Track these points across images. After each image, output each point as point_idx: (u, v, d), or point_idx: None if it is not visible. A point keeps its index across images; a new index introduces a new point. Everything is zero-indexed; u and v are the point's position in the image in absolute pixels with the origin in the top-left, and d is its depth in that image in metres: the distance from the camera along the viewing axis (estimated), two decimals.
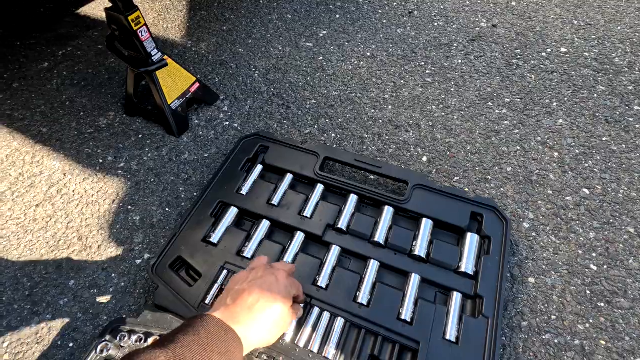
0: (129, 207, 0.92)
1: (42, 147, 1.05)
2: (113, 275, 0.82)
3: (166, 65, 0.96)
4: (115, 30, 0.92)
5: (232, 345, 0.49)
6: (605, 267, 0.79)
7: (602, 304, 0.74)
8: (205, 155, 1.02)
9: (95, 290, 0.80)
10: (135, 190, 0.95)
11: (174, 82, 1.03)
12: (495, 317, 0.68)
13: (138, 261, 0.84)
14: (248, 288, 0.56)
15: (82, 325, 0.75)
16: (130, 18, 0.87)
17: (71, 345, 0.73)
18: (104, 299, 0.78)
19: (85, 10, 1.51)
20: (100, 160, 1.02)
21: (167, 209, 0.92)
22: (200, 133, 1.07)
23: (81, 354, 0.72)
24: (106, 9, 0.89)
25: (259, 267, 0.61)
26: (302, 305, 0.69)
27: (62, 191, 0.96)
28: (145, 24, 0.91)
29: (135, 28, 0.89)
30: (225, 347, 0.48)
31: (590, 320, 0.73)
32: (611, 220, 0.85)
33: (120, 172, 0.99)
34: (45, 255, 0.85)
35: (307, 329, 0.69)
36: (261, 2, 1.49)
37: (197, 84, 1.07)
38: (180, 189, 0.95)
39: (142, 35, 0.91)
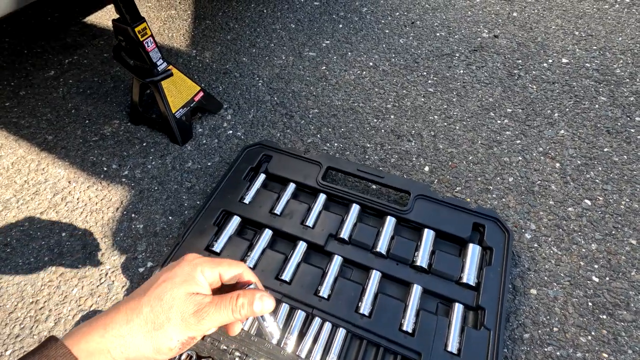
0: (133, 215, 0.93)
1: (48, 155, 1.06)
2: (116, 283, 0.82)
3: (171, 75, 0.97)
4: (121, 41, 0.94)
5: None
6: (607, 278, 0.79)
7: (604, 316, 0.74)
8: (209, 164, 1.03)
9: (98, 299, 0.80)
10: (138, 199, 0.96)
11: (179, 91, 1.04)
12: (497, 329, 0.68)
13: (141, 269, 0.84)
14: None
15: None
16: (136, 29, 0.89)
17: None
18: (106, 308, 0.79)
19: (92, 19, 1.53)
20: (105, 168, 1.03)
21: (170, 217, 0.92)
22: (204, 142, 1.08)
23: None
24: (113, 20, 0.90)
25: None
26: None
27: (66, 199, 0.97)
28: (151, 35, 0.92)
29: (141, 39, 0.90)
30: None
31: (592, 333, 0.73)
32: (613, 232, 0.85)
33: (124, 180, 1.00)
34: (48, 263, 0.86)
35: (309, 340, 0.69)
36: (265, 11, 1.51)
37: (201, 93, 1.08)
38: (184, 197, 0.96)
39: (147, 46, 0.92)
